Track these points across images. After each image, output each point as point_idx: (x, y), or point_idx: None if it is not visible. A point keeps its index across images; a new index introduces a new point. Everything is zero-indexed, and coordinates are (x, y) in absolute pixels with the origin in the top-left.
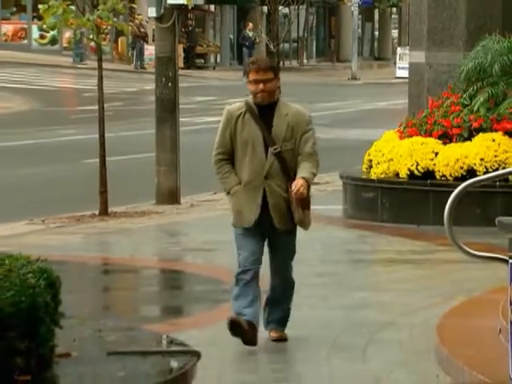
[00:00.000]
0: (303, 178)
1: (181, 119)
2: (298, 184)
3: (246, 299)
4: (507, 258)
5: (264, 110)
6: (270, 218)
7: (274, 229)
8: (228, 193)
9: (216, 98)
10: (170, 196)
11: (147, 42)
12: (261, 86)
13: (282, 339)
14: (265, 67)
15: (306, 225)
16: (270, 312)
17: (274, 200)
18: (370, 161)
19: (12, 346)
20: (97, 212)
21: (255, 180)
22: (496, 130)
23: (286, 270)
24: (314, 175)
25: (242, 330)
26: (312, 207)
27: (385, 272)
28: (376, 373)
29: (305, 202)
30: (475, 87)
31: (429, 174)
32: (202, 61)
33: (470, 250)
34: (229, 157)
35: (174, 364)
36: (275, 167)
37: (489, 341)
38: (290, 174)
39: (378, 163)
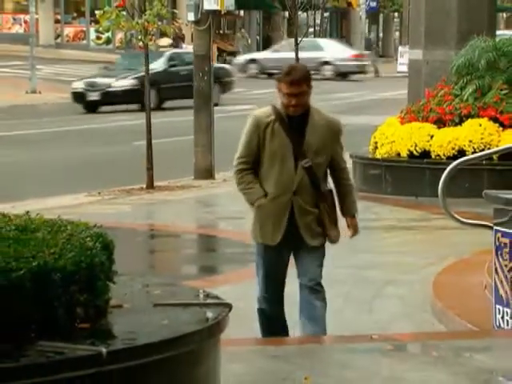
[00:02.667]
0: (354, 217)
1: (214, 107)
2: (353, 226)
3: (274, 327)
4: (492, 225)
5: (295, 120)
6: (298, 235)
7: (302, 245)
8: (252, 204)
9: (245, 90)
10: (206, 172)
11: (184, 42)
12: (294, 101)
13: None
14: (298, 80)
15: (336, 240)
16: (303, 325)
17: (303, 217)
18: (376, 143)
19: (74, 299)
20: (144, 186)
21: (283, 195)
22: (482, 117)
23: (317, 280)
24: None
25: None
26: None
27: (388, 237)
28: (381, 323)
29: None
30: (465, 80)
31: (425, 154)
32: (233, 57)
33: (461, 218)
34: (252, 166)
35: (210, 314)
36: (305, 182)
37: (476, 295)
38: (319, 189)
39: (383, 145)
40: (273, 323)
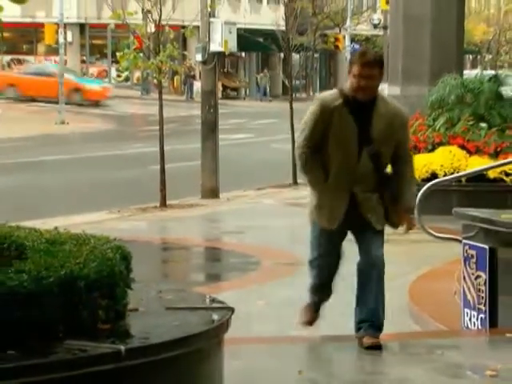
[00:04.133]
0: (410, 209)
1: (219, 136)
2: (411, 223)
3: (322, 298)
4: (461, 239)
5: (362, 106)
6: (361, 219)
7: (365, 228)
8: (313, 188)
9: (245, 121)
10: (212, 192)
11: (195, 79)
12: (363, 82)
13: (377, 346)
14: (373, 62)
15: (398, 225)
16: (359, 311)
17: (366, 202)
18: None
19: (96, 303)
20: (158, 204)
21: (345, 180)
22: (452, 144)
23: (380, 256)
24: (415, 184)
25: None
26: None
27: None
28: None
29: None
30: (437, 112)
31: None
32: (235, 93)
33: (434, 233)
34: (316, 149)
35: (215, 317)
36: (367, 168)
37: (447, 300)
38: (381, 175)
39: None
40: (321, 296)
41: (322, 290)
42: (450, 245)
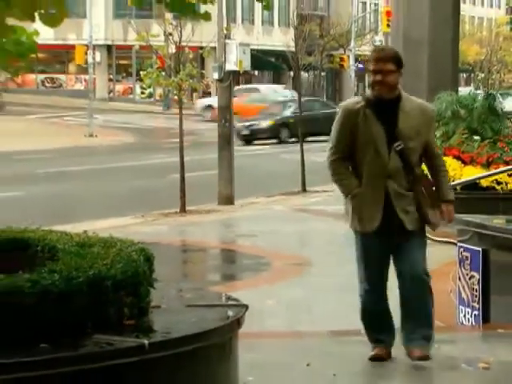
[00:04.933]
0: (450, 202)
1: (234, 147)
2: (450, 215)
3: (380, 323)
4: (456, 242)
5: (386, 105)
6: (396, 219)
7: (402, 230)
8: (346, 196)
9: None
10: (227, 199)
11: (211, 96)
12: (378, 77)
13: (425, 358)
14: (385, 57)
15: (437, 225)
16: (408, 329)
17: (399, 201)
18: None
19: (122, 301)
20: (178, 210)
21: (377, 179)
22: (448, 155)
23: (419, 267)
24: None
25: (381, 359)
26: (322, 207)
27: None
28: None
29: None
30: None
31: None
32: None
33: (431, 236)
34: (345, 155)
35: (230, 313)
36: (398, 166)
37: (443, 298)
38: (412, 172)
39: None
40: (377, 321)
41: (376, 312)
42: (447, 247)
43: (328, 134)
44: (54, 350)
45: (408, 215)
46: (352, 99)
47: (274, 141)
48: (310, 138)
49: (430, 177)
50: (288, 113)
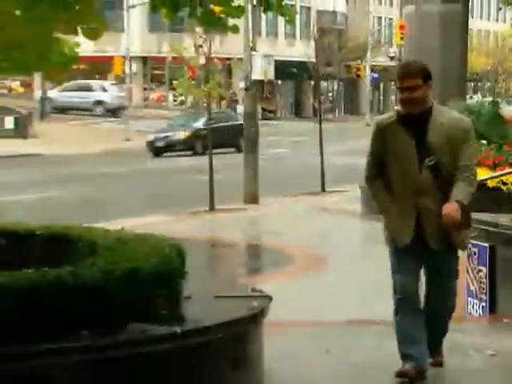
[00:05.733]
0: (456, 202)
1: (259, 150)
2: (448, 208)
3: (412, 336)
4: None
5: (416, 119)
6: (424, 237)
7: (430, 250)
8: (380, 212)
9: (280, 138)
10: (253, 198)
11: (238, 103)
12: (405, 94)
13: (438, 364)
14: (409, 74)
15: (463, 246)
16: (429, 337)
17: (428, 219)
18: None
19: (155, 292)
20: (207, 208)
21: (407, 196)
22: None
23: (446, 295)
24: (471, 193)
25: (409, 379)
26: (341, 206)
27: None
28: (381, 311)
29: (458, 225)
30: None
31: None
32: (273, 115)
33: None
34: (379, 171)
35: (255, 303)
36: (430, 182)
37: (458, 289)
38: (446, 190)
39: None
40: (410, 323)
41: (411, 322)
42: None
43: (234, 146)
44: (94, 336)
45: (434, 234)
46: (386, 114)
47: (189, 153)
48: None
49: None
50: (200, 124)
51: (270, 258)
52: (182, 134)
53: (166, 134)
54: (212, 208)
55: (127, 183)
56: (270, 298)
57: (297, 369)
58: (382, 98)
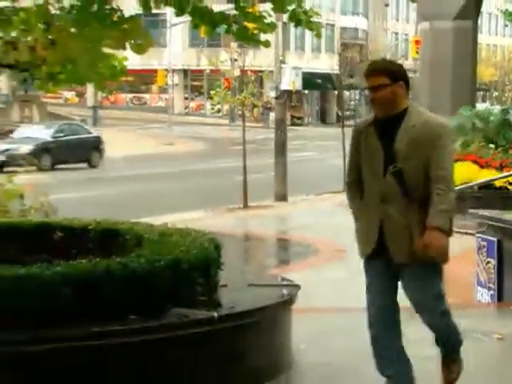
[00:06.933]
0: (433, 229)
1: (288, 153)
2: (424, 241)
3: (386, 359)
4: (474, 233)
5: (389, 123)
6: (388, 250)
7: (396, 263)
8: (354, 220)
9: (307, 142)
10: (282, 197)
11: (270, 111)
12: (372, 94)
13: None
14: (373, 72)
15: (441, 259)
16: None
17: (389, 228)
18: None
19: (195, 281)
20: (241, 206)
21: (372, 204)
22: (467, 160)
23: (428, 314)
24: (448, 211)
25: None
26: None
27: None
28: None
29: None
30: (456, 136)
31: None
32: (300, 121)
33: (457, 229)
34: (356, 178)
35: (285, 292)
36: (394, 190)
37: (464, 279)
38: (413, 199)
39: None
40: (381, 347)
41: (379, 350)
42: (467, 237)
43: (85, 160)
44: (141, 320)
45: (395, 244)
46: (365, 118)
47: (33, 168)
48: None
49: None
50: (48, 137)
51: (297, 250)
52: (25, 148)
53: (7, 147)
54: (246, 205)
55: (169, 183)
56: (298, 287)
57: (322, 351)
58: None
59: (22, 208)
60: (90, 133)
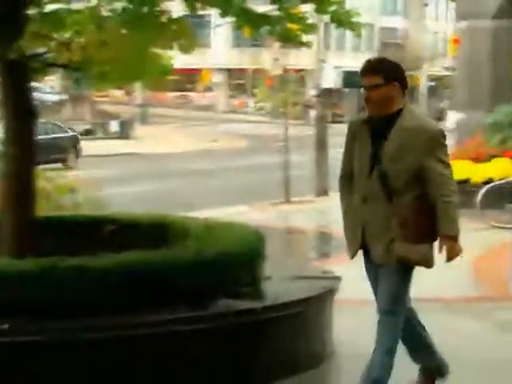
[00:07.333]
0: (450, 238)
1: (329, 149)
2: (448, 250)
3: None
4: (510, 227)
5: (382, 122)
6: (369, 249)
7: (374, 261)
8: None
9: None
10: (323, 191)
11: (311, 108)
12: (365, 93)
13: None
14: (368, 71)
15: (426, 264)
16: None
17: (369, 229)
18: None
19: (240, 272)
20: (284, 200)
21: (358, 203)
22: (504, 157)
23: (384, 302)
24: (455, 218)
25: None
26: None
27: None
28: (438, 289)
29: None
30: (493, 133)
31: (467, 180)
32: (340, 118)
33: (494, 223)
34: (348, 173)
35: (327, 283)
36: (378, 191)
37: (502, 272)
38: (398, 201)
39: None
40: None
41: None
42: (504, 232)
43: (61, 161)
44: (189, 309)
45: (375, 244)
46: (360, 115)
47: None
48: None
49: (425, 206)
50: None
51: (338, 243)
52: None
53: None
54: (288, 200)
55: (213, 178)
56: (339, 279)
57: (361, 341)
58: (439, 104)
59: (74, 202)
60: (67, 132)
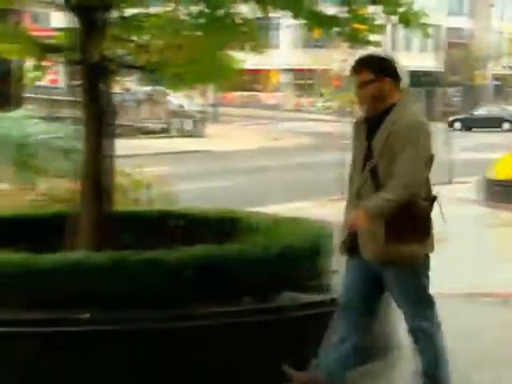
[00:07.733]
0: (362, 210)
1: None
2: (355, 217)
3: (331, 341)
4: None
5: (376, 118)
6: (359, 246)
7: (366, 260)
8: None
9: None
10: None
11: None
12: (357, 92)
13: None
14: (359, 66)
15: (384, 261)
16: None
17: (361, 228)
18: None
19: (306, 266)
20: (342, 196)
21: (351, 200)
22: None
23: (407, 317)
24: (386, 204)
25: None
26: (468, 195)
27: (499, 231)
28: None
29: (374, 233)
30: None
31: None
32: None
33: None
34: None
35: None
36: (368, 187)
37: None
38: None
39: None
40: (335, 329)
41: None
42: None
43: None
44: (255, 301)
45: (363, 241)
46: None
47: None
48: None
49: (418, 206)
50: None
51: None
52: None
53: None
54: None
55: (276, 174)
56: None
57: None
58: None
59: (148, 197)
60: None
